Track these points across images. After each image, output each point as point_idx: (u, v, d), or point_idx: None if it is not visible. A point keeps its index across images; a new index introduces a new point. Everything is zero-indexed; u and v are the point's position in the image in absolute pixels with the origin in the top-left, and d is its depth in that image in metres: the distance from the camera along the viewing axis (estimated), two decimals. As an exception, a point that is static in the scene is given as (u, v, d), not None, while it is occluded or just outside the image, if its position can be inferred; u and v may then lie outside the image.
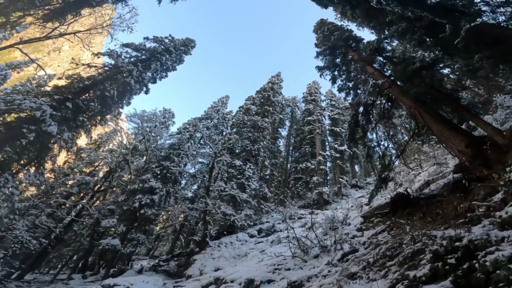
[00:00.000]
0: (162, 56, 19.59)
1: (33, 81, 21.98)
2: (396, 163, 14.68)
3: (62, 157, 22.19)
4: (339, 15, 14.39)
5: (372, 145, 12.65)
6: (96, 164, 25.52)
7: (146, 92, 19.76)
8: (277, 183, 35.09)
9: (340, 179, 26.64)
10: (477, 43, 7.15)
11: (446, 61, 9.38)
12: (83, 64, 16.15)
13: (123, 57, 17.77)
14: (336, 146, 31.01)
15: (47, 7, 11.51)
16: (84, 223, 20.35)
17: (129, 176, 23.30)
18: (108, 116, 19.45)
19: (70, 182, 21.99)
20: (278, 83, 35.98)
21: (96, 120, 17.07)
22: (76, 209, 20.71)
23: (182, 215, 23.82)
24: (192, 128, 28.61)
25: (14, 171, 11.86)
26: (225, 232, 18.01)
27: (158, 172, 21.33)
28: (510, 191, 4.56)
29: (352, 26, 14.23)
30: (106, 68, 16.89)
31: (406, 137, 18.85)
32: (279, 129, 37.60)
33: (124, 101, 18.92)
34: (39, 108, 12.17)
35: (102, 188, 24.03)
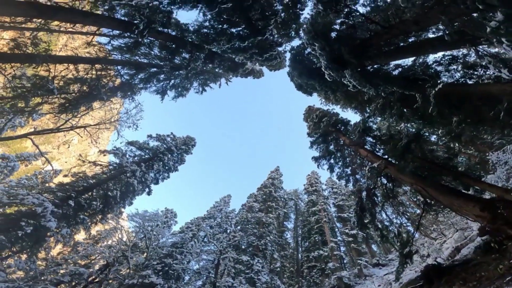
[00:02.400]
0: (164, 156, 20.83)
1: (39, 176, 22.43)
2: (416, 235, 13.79)
3: (57, 249, 20.46)
4: (323, 100, 16.33)
5: (385, 225, 12.13)
6: (92, 257, 23.63)
7: (149, 193, 20.03)
8: (289, 273, 32.72)
9: (359, 261, 24.71)
10: (449, 107, 7.74)
11: (429, 129, 9.96)
12: (89, 162, 17.01)
13: (127, 156, 18.82)
14: (346, 231, 30.04)
15: (63, 95, 12.75)
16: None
17: (128, 271, 21.15)
18: (109, 215, 19.20)
19: (62, 271, 19.58)
20: (278, 178, 37.51)
21: (97, 219, 16.88)
22: None
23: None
24: (195, 227, 28.22)
25: (4, 256, 11.44)
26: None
27: (160, 269, 20.15)
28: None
29: (337, 108, 15.96)
30: (110, 167, 17.67)
31: (418, 210, 18.25)
32: (284, 222, 37.29)
33: (127, 201, 19.06)
34: (41, 204, 12.38)
35: (97, 279, 21.25)
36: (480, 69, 7.79)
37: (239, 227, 28.23)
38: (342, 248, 30.95)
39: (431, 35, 8.07)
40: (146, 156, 20.28)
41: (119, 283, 19.96)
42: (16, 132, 16.85)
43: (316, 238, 28.76)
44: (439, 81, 7.69)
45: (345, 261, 30.04)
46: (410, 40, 8.51)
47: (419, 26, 7.00)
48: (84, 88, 13.16)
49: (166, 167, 20.92)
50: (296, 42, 13.85)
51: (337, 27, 9.28)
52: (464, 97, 7.72)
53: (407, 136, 9.90)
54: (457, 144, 9.88)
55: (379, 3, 8.37)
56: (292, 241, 37.37)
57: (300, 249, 34.59)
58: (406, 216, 15.78)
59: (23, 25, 10.41)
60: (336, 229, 33.30)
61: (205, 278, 24.68)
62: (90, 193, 16.81)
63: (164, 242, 26.16)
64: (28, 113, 13.33)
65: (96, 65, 12.80)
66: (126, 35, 11.77)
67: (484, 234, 7.58)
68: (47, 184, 19.59)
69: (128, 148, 19.37)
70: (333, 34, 9.39)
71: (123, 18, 10.93)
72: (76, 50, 13.75)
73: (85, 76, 13.01)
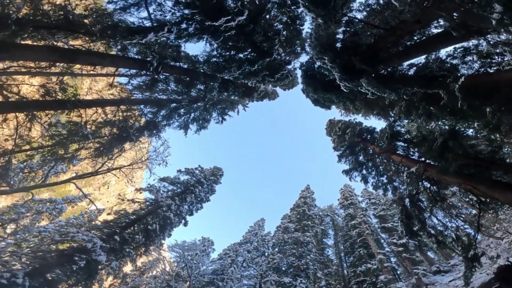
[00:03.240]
0: (195, 188, 21.50)
1: (85, 215, 24.05)
2: (479, 237, 12.45)
3: (108, 281, 21.56)
4: (343, 111, 15.80)
5: (438, 231, 11.09)
6: None
7: (185, 225, 20.71)
8: None
9: (415, 270, 22.80)
10: (478, 98, 7.20)
11: (463, 125, 9.26)
12: (128, 200, 18.07)
13: (161, 191, 19.76)
14: (394, 241, 28.11)
15: (97, 139, 13.52)
16: None
17: None
18: (151, 247, 20.12)
19: None
20: (309, 196, 36.87)
21: (140, 251, 17.73)
22: None
23: None
24: (233, 253, 28.45)
25: None
26: None
27: None
28: None
29: (359, 117, 15.29)
30: (147, 203, 18.66)
31: (473, 210, 16.52)
32: (323, 239, 36.23)
33: (166, 234, 19.85)
34: (90, 240, 13.30)
35: None
36: (497, 57, 7.23)
37: (276, 249, 27.71)
38: (393, 259, 29.09)
39: (436, 30, 7.74)
40: (179, 190, 21.05)
41: None
42: (60, 178, 18.33)
43: (361, 252, 27.30)
44: (459, 74, 7.26)
45: (398, 272, 28.26)
46: (415, 38, 8.19)
47: (421, 24, 6.77)
48: (114, 130, 13.97)
49: (198, 199, 21.51)
50: (303, 58, 13.87)
51: (340, 36, 9.14)
52: (491, 86, 7.14)
53: (441, 134, 9.11)
54: (497, 136, 8.96)
55: (373, 7, 8.17)
56: (334, 258, 35.82)
57: (345, 264, 33.00)
58: (462, 218, 14.31)
59: (48, 70, 11.12)
60: (382, 240, 31.38)
61: (248, 303, 24.41)
62: (132, 228, 17.78)
63: (205, 270, 26.58)
64: (68, 159, 14.42)
65: (121, 106, 13.54)
66: (142, 73, 12.39)
67: None
68: (93, 222, 21.02)
69: (161, 184, 20.38)
70: (338, 45, 9.24)
71: (136, 57, 11.43)
72: (100, 93, 14.45)
73: (113, 118, 13.75)
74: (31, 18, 7.03)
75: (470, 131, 10.91)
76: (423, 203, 11.18)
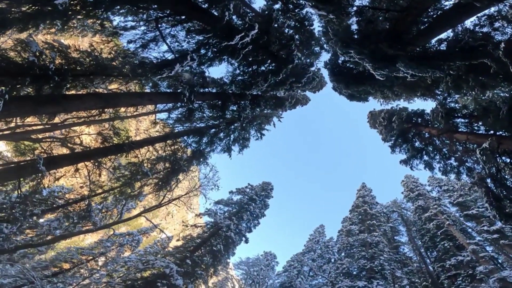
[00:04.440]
0: (249, 206, 22.07)
1: (158, 244, 26.43)
2: None
3: None
4: (382, 100, 14.48)
5: None
6: None
7: (246, 242, 21.38)
8: None
9: None
10: None
11: None
12: (191, 226, 19.63)
13: (218, 214, 20.86)
14: (485, 228, 24.39)
15: (155, 175, 14.80)
16: None
17: None
18: (219, 267, 21.20)
19: None
20: (368, 194, 34.64)
21: (210, 272, 18.89)
22: None
23: None
24: (297, 263, 28.05)
25: None
26: None
27: None
28: None
29: (401, 103, 13.84)
30: (208, 226, 19.94)
31: None
32: (395, 237, 33.66)
33: (230, 253, 20.80)
34: (167, 266, 14.66)
35: None
36: None
37: (343, 254, 26.43)
38: (489, 248, 25.50)
39: (448, 2, 7.28)
40: (234, 210, 21.86)
41: None
42: (131, 213, 20.73)
43: (446, 245, 24.63)
44: (496, 41, 6.67)
45: (500, 261, 24.86)
46: (432, 14, 7.62)
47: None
48: (167, 164, 15.19)
49: (254, 215, 22.08)
50: (324, 57, 13.36)
51: (355, 27, 8.67)
52: None
53: (504, 102, 7.98)
54: None
55: None
56: (413, 254, 32.55)
57: (428, 260, 29.85)
58: None
59: (99, 117, 12.15)
60: (469, 230, 27.59)
61: (323, 312, 23.59)
62: (199, 251, 19.06)
63: (272, 284, 26.69)
64: (135, 196, 16.06)
65: (167, 141, 14.49)
66: (178, 105, 13.11)
67: None
68: (166, 249, 22.98)
69: (217, 207, 21.54)
70: (356, 36, 8.75)
71: (169, 91, 12.15)
72: (147, 132, 15.88)
73: (163, 153, 14.95)
74: (67, 67, 7.51)
75: None
76: (509, 180, 9.68)
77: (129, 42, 8.87)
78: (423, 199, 31.08)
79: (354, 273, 22.61)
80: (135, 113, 14.15)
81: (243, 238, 20.62)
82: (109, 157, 12.48)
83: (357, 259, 23.05)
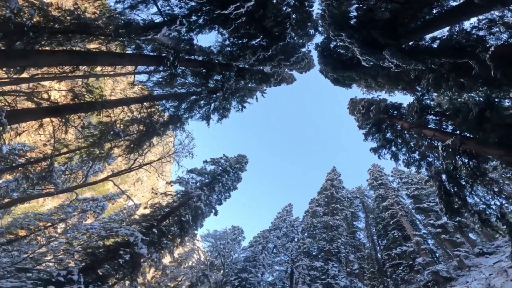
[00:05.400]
0: (222, 178, 21.90)
1: (124, 211, 25.73)
2: None
3: (150, 273, 23.35)
4: (365, 89, 14.97)
5: (480, 208, 10.41)
6: (179, 279, 26.56)
7: (215, 214, 21.32)
8: (370, 275, 31.14)
9: (456, 252, 22.09)
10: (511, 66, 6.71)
11: (498, 94, 8.62)
12: (160, 193, 18.93)
13: (190, 183, 20.34)
14: (431, 222, 26.91)
15: (127, 137, 14.21)
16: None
17: None
18: (186, 238, 21.15)
19: None
20: (337, 178, 36.04)
21: (176, 242, 18.68)
22: None
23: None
24: (263, 240, 28.94)
25: (111, 283, 13.02)
26: None
27: (237, 284, 20.96)
28: None
29: (382, 94, 14.42)
30: (178, 195, 19.46)
31: None
32: (354, 222, 35.73)
33: (198, 224, 20.67)
34: (132, 234, 14.16)
35: None
36: None
37: (306, 234, 27.74)
38: (430, 241, 28.28)
39: (454, 3, 7.38)
40: (206, 180, 21.57)
41: None
42: (98, 177, 19.74)
43: (395, 234, 26.66)
44: (488, 45, 6.86)
45: (437, 254, 27.91)
46: (434, 11, 7.76)
47: None
48: (141, 127, 14.52)
49: (226, 187, 21.94)
50: (317, 39, 13.36)
51: (354, 14, 8.67)
52: None
53: (476, 105, 8.48)
54: None
55: None
56: (366, 241, 35.17)
57: (378, 247, 32.54)
58: (504, 195, 13.36)
59: (73, 74, 11.38)
60: (418, 222, 30.21)
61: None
62: (167, 221, 18.79)
63: (237, 258, 27.33)
64: (104, 158, 15.33)
65: (144, 103, 13.83)
66: (160, 69, 12.65)
67: None
68: (132, 217, 22.49)
69: (189, 175, 20.99)
70: (352, 22, 8.79)
71: (153, 54, 11.61)
72: (123, 92, 15.31)
73: (138, 115, 14.21)
74: (44, 25, 7.27)
75: (507, 102, 10.06)
76: (462, 179, 10.61)
77: (117, 1, 8.32)
78: (384, 189, 32.98)
79: (314, 253, 23.94)
80: (112, 73, 13.43)
81: (213, 210, 20.62)
82: (78, 114, 11.74)
83: (317, 240, 24.32)
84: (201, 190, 20.08)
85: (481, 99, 8.85)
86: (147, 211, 19.42)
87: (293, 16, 11.40)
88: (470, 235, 27.81)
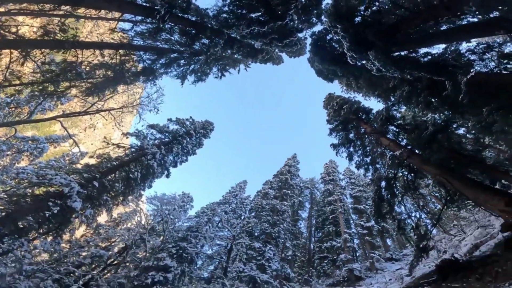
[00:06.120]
0: (183, 140, 20.94)
1: (67, 157, 23.35)
2: (434, 231, 13.65)
3: (80, 231, 21.86)
4: (345, 87, 15.72)
5: (402, 217, 11.88)
6: (112, 240, 25.13)
7: (167, 176, 20.41)
8: (300, 263, 33.25)
9: (372, 254, 24.73)
10: (481, 95, 7.19)
11: (457, 120, 9.34)
12: (113, 144, 17.59)
13: (148, 138, 19.20)
14: (362, 223, 29.69)
15: (90, 80, 13.29)
16: (91, 292, 18.21)
17: (144, 254, 22.43)
18: (130, 197, 19.84)
19: (84, 254, 21.07)
20: (294, 166, 37.12)
21: (118, 200, 17.44)
22: (84, 279, 18.96)
23: (196, 295, 21.95)
24: (210, 212, 28.72)
25: (31, 238, 11.85)
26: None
27: (174, 252, 20.80)
28: None
29: (359, 97, 15.25)
30: (132, 149, 18.19)
31: (439, 205, 17.80)
32: (299, 211, 37.19)
33: (146, 184, 19.47)
34: (68, 184, 12.81)
35: (115, 262, 22.71)
36: None
37: (253, 214, 28.35)
38: (356, 241, 30.94)
39: (461, 22, 7.51)
40: (166, 139, 20.49)
41: (135, 266, 21.09)
42: (46, 115, 17.76)
43: (330, 229, 28.65)
44: (472, 70, 7.13)
45: (357, 254, 30.22)
46: (441, 28, 7.94)
47: (450, 12, 6.52)
48: (109, 72, 13.57)
49: (185, 151, 21.12)
50: (317, 28, 13.49)
51: (362, 12, 8.84)
52: (499, 86, 7.10)
53: (433, 125, 9.32)
54: (486, 137, 9.26)
55: None
56: (305, 231, 37.26)
57: (313, 239, 34.76)
58: (426, 211, 15.39)
59: (52, 12, 10.74)
60: (351, 221, 32.87)
61: (217, 263, 25.15)
62: (113, 175, 17.42)
63: (180, 226, 26.97)
64: (57, 96, 14.00)
65: (120, 51, 13.09)
66: (148, 20, 11.97)
67: (506, 230, 7.33)
68: (74, 166, 20.45)
69: (149, 131, 19.64)
70: (357, 19, 8.98)
71: (145, 4, 11.05)
72: (101, 36, 14.10)
73: (110, 61, 13.38)
74: None
75: (462, 130, 11.00)
76: (397, 188, 11.67)
77: None
78: (333, 185, 35.00)
79: (256, 234, 24.71)
80: (94, 16, 12.56)
81: (166, 172, 19.76)
82: (42, 50, 11.19)
83: (262, 222, 25.17)
84: (158, 149, 19.00)
85: (440, 121, 9.59)
86: (93, 161, 17.82)
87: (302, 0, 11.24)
88: (388, 240, 31.29)
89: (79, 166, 17.64)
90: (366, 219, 29.81)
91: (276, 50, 15.58)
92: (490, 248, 8.45)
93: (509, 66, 7.41)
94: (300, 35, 13.28)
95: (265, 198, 29.63)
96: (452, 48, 8.04)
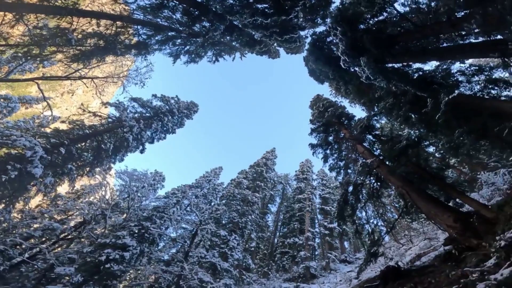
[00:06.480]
0: (164, 117, 20.46)
1: (37, 120, 21.82)
2: (386, 239, 14.72)
3: (36, 200, 20.41)
4: (333, 91, 16.25)
5: (361, 222, 12.58)
6: (70, 213, 23.49)
7: (142, 151, 19.84)
8: (262, 256, 33.83)
9: (329, 255, 26.04)
10: (457, 117, 7.52)
11: (430, 139, 9.85)
12: (89, 112, 16.79)
13: (128, 111, 18.51)
14: (325, 224, 30.94)
15: (79, 47, 12.68)
16: (35, 266, 17.16)
17: (103, 231, 21.33)
18: (97, 169, 18.94)
19: (36, 226, 19.68)
20: (272, 159, 37.62)
21: (84, 171, 16.59)
22: (31, 252, 17.83)
23: (153, 276, 21.30)
24: (180, 194, 27.99)
25: None
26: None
27: (136, 231, 20.11)
28: (502, 256, 4.74)
29: (346, 102, 15.91)
30: (109, 120, 17.43)
31: (396, 215, 19.20)
32: (269, 204, 37.75)
33: (118, 157, 18.67)
34: (32, 148, 12.05)
35: (70, 236, 21.47)
36: (502, 85, 7.51)
37: (224, 201, 28.29)
38: (317, 240, 31.99)
39: (462, 42, 7.75)
40: (147, 114, 19.90)
41: (91, 242, 19.97)
42: (24, 76, 16.62)
43: (295, 226, 29.54)
44: (456, 90, 7.41)
45: (316, 253, 31.34)
46: (441, 45, 8.18)
47: (455, 29, 6.65)
48: (101, 42, 13.04)
49: (164, 128, 20.67)
50: (320, 29, 13.75)
51: (367, 20, 9.08)
52: (474, 110, 7.49)
53: (407, 139, 9.95)
54: (452, 158, 9.74)
55: (421, 6, 7.76)
56: (272, 225, 37.96)
57: (278, 234, 35.54)
58: (383, 218, 16.52)
59: None
60: (316, 220, 33.98)
61: (179, 246, 25.03)
62: (83, 144, 16.50)
63: (147, 205, 26.07)
64: (41, 59, 13.38)
65: (117, 22, 12.70)
66: None
67: (448, 244, 7.78)
68: (42, 129, 19.06)
69: (131, 103, 18.99)
70: (361, 26, 9.25)
71: None
72: (102, 7, 13.61)
73: (105, 31, 12.95)
74: None
75: (432, 148, 11.89)
76: (363, 195, 12.29)
77: None
78: (305, 183, 36.06)
79: (223, 222, 24.84)
80: None
81: (141, 147, 19.17)
82: (37, 14, 10.86)
83: (231, 211, 25.33)
84: (137, 122, 18.34)
85: (414, 137, 10.16)
86: (64, 126, 16.75)
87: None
88: (346, 243, 33.11)
89: (48, 130, 16.54)
90: (330, 220, 31.08)
91: (275, 44, 15.67)
92: (430, 259, 8.95)
93: (493, 91, 7.80)
94: (302, 33, 13.52)
95: (238, 187, 29.71)
96: (444, 66, 8.34)
